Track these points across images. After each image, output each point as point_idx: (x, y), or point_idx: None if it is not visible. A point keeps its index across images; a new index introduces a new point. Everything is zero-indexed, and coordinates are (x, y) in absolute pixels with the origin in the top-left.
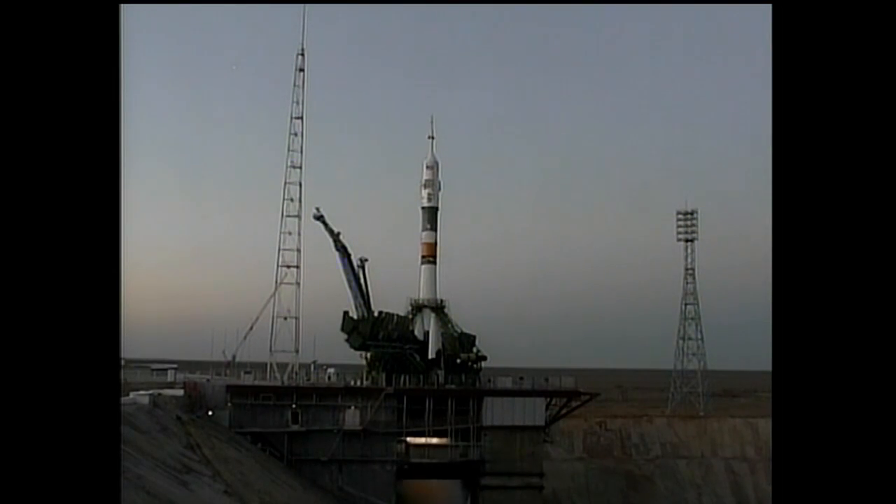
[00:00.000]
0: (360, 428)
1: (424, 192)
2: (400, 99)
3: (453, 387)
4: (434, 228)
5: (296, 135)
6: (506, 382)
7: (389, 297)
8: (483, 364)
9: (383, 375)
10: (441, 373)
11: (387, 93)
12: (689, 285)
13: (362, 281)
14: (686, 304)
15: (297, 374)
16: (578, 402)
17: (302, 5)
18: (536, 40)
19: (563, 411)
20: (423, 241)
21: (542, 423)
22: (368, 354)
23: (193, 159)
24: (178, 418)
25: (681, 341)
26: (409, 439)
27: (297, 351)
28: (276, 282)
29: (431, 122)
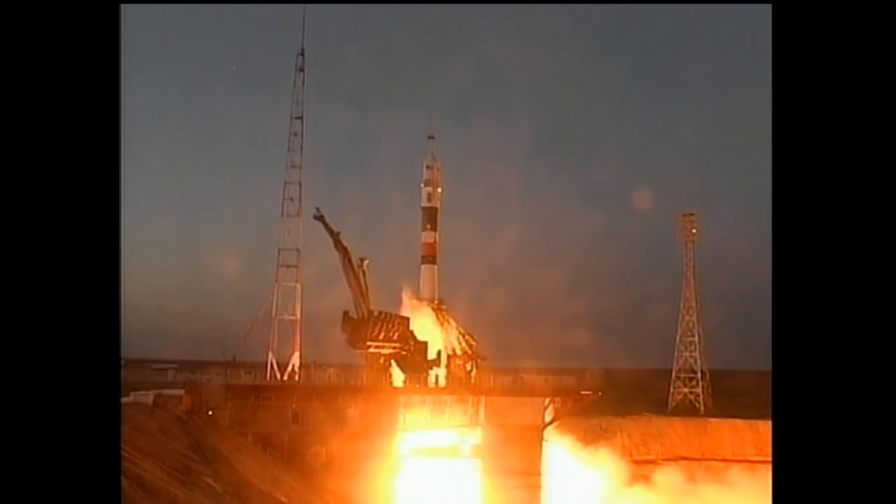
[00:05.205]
0: (360, 428)
1: (424, 192)
2: (399, 98)
3: (453, 386)
4: (434, 228)
5: (296, 135)
6: (505, 382)
7: (389, 297)
8: (483, 364)
9: (383, 375)
10: (441, 373)
11: (386, 92)
12: (689, 285)
13: (362, 281)
14: (686, 304)
15: (297, 374)
16: (578, 402)
17: (302, 5)
18: (535, 41)
19: (563, 411)
20: (423, 241)
21: (541, 422)
22: (368, 354)
23: (193, 158)
24: (179, 418)
25: (681, 342)
26: (409, 439)
27: (297, 351)
28: (276, 282)
29: (430, 122)
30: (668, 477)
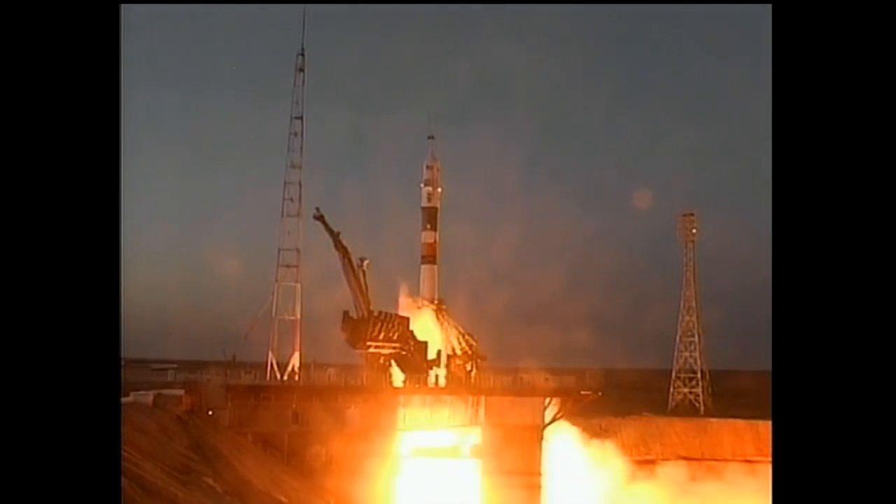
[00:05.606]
0: (360, 428)
1: (424, 192)
2: (399, 98)
3: (453, 386)
4: (434, 228)
5: (296, 134)
6: (505, 382)
7: (389, 297)
8: (483, 364)
9: (383, 375)
10: (441, 373)
11: (386, 92)
12: (689, 285)
13: (362, 281)
14: (686, 304)
15: (297, 374)
16: (578, 402)
17: (302, 5)
18: (534, 41)
19: (563, 411)
20: (423, 241)
21: (541, 422)
22: (368, 354)
23: (192, 158)
24: (179, 418)
25: (680, 342)
26: (409, 439)
27: (297, 351)
28: (276, 282)
29: (430, 121)
30: (668, 477)
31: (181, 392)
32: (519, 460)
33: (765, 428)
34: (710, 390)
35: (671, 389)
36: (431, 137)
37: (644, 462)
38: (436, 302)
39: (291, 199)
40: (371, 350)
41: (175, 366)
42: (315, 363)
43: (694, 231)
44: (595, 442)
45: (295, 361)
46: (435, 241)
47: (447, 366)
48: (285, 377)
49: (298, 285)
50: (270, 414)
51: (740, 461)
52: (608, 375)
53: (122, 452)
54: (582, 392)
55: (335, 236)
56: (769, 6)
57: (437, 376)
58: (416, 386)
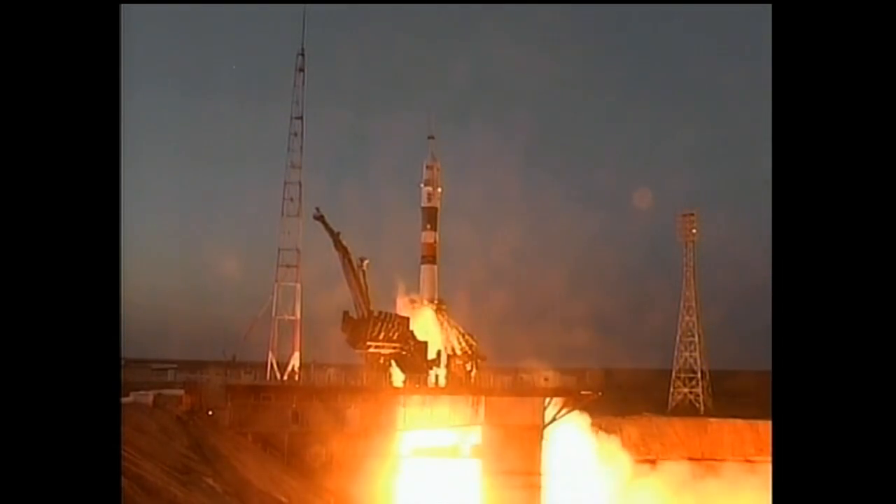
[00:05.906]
0: (360, 428)
1: (424, 192)
2: (399, 98)
3: (453, 386)
4: (434, 228)
5: (296, 134)
6: (505, 382)
7: (389, 297)
8: (483, 364)
9: (383, 375)
10: (441, 373)
11: (386, 92)
12: (689, 285)
13: (362, 281)
14: (686, 304)
15: (297, 374)
16: (578, 402)
17: (302, 5)
18: (534, 41)
19: (563, 411)
20: (423, 241)
21: (541, 422)
22: (368, 354)
23: (193, 158)
24: (179, 418)
25: (680, 342)
26: (409, 439)
27: (297, 351)
28: (276, 282)
29: (430, 122)
30: (668, 476)
31: (181, 392)
32: (519, 460)
33: (765, 428)
34: (710, 390)
35: (671, 389)
36: (431, 137)
37: (644, 462)
38: (436, 302)
39: (291, 199)
40: (371, 350)
41: (175, 366)
42: (315, 363)
43: (694, 231)
44: (602, 435)
45: (295, 361)
46: (435, 241)
47: (447, 366)
48: (285, 377)
49: (298, 285)
50: (270, 414)
51: (740, 461)
52: (608, 375)
53: (122, 452)
54: (582, 392)
55: (335, 236)
56: (769, 6)
57: (437, 376)
58: (416, 386)
